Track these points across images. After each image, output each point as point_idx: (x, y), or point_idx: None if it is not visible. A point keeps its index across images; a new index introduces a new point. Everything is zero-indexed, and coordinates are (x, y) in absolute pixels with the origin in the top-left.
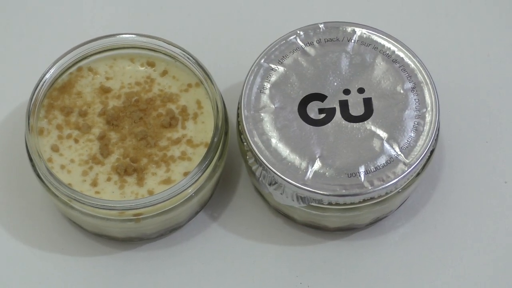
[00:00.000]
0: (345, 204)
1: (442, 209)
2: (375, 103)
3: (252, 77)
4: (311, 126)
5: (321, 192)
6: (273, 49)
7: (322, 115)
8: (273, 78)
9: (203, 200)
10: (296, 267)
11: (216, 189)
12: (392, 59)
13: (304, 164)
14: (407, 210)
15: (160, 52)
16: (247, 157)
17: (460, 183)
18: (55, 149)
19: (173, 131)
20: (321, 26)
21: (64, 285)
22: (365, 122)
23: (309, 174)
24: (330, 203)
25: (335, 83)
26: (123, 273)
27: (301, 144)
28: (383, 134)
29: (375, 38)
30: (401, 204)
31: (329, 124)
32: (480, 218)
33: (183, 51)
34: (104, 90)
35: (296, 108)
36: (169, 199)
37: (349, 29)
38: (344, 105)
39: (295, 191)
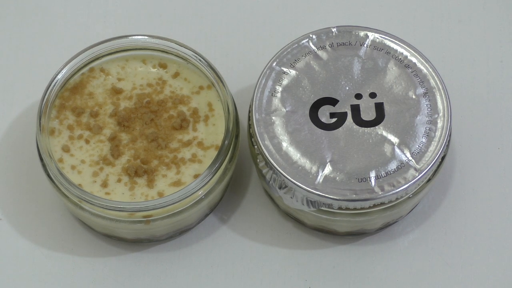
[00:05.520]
0: (355, 209)
1: (452, 215)
2: (386, 108)
3: (263, 80)
4: (322, 130)
5: (331, 197)
6: (285, 53)
7: (334, 119)
8: (285, 82)
9: (213, 203)
10: (305, 271)
11: (226, 192)
12: (404, 64)
13: (314, 168)
14: (418, 215)
15: (172, 54)
16: (258, 160)
17: (471, 190)
18: (66, 149)
19: (184, 133)
20: (334, 30)
21: (73, 285)
22: (377, 127)
23: (320, 178)
24: (340, 208)
25: (347, 88)
26: (132, 274)
27: (312, 148)
28: (394, 139)
29: (387, 43)
30: (412, 210)
31: (340, 128)
32: (490, 224)
33: (195, 53)
34: (116, 91)
35: (307, 112)
36: (179, 201)
37: (361, 34)
38: (355, 109)
39: (305, 195)
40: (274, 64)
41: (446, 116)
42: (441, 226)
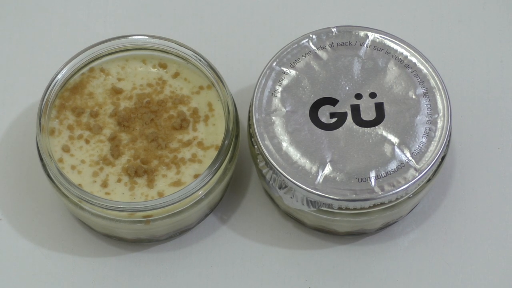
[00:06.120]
0: (355, 209)
1: (452, 215)
2: (386, 108)
3: (264, 80)
4: (322, 130)
5: (331, 197)
6: (285, 53)
7: (334, 119)
8: (285, 82)
9: (213, 203)
10: (305, 271)
11: (226, 192)
12: (404, 64)
13: (314, 168)
14: (417, 215)
15: (172, 54)
16: (258, 160)
17: (471, 190)
18: (66, 149)
19: (184, 133)
20: (334, 30)
21: (73, 285)
22: (377, 127)
23: (320, 178)
24: (340, 208)
25: (347, 88)
26: (132, 274)
27: (312, 148)
28: (394, 139)
29: (387, 42)
30: (412, 210)
31: (340, 128)
32: (490, 224)
33: (195, 53)
34: (116, 91)
35: (307, 112)
36: (179, 201)
37: (361, 34)
38: (355, 109)
39: (305, 195)
40: (274, 64)
41: (446, 116)
42: (441, 226)
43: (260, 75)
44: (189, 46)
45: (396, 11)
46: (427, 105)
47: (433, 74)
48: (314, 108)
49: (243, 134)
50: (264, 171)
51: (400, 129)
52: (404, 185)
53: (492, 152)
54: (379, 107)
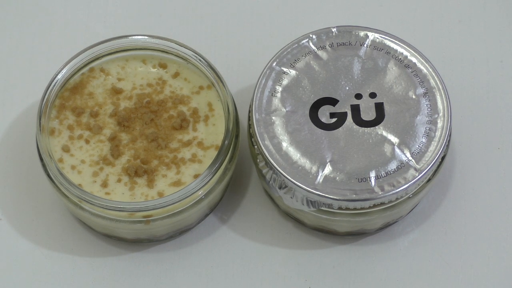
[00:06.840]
0: (355, 209)
1: (452, 215)
2: (386, 108)
3: (264, 80)
4: (322, 130)
5: (331, 197)
6: (285, 53)
7: (334, 119)
8: (285, 82)
9: (213, 203)
10: (305, 271)
11: (226, 192)
12: (404, 64)
13: (314, 168)
14: (417, 215)
15: (172, 54)
16: (258, 160)
17: (471, 189)
18: (66, 149)
19: (184, 133)
20: (334, 30)
21: (73, 285)
22: (377, 127)
23: (320, 178)
24: (340, 208)
25: (347, 88)
26: (132, 274)
27: (312, 148)
28: (394, 139)
29: (387, 43)
30: (412, 210)
31: (340, 128)
32: (490, 224)
33: (195, 53)
34: (116, 91)
35: (307, 112)
36: (179, 201)
37: (361, 34)
38: (355, 109)
39: (305, 195)
40: (274, 64)
41: (446, 116)
42: (441, 226)
43: (260, 75)
44: (189, 46)
45: (396, 11)
46: (427, 105)
47: (433, 74)
48: (314, 108)
49: (243, 134)
50: (264, 171)
51: (400, 129)
52: (404, 185)
53: (492, 152)
54: (379, 107)
